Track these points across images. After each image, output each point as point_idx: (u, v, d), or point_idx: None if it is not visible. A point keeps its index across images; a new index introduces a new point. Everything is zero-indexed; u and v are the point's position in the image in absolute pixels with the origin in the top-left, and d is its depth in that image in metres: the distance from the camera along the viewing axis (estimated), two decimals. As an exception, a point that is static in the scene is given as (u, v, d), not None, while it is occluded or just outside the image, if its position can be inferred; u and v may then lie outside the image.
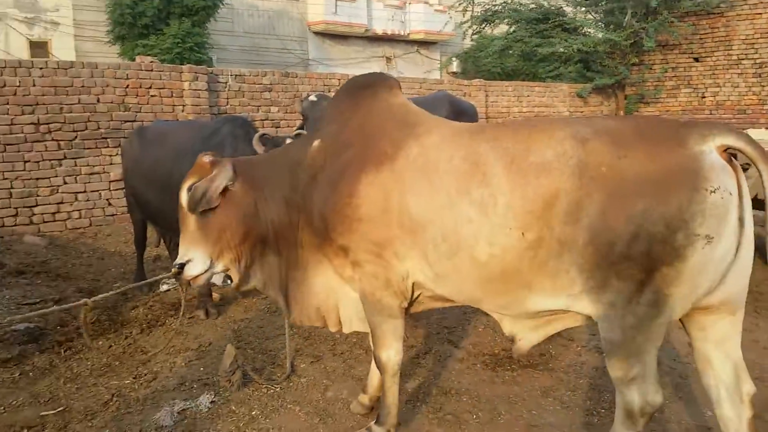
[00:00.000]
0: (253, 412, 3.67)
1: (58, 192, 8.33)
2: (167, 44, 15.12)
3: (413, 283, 2.97)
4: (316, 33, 23.27)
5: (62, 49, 18.25)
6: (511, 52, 17.36)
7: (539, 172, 2.51)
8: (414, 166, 2.82)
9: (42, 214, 8.28)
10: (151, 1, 15.19)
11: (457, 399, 3.83)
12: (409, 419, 3.60)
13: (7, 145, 7.94)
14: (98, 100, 8.63)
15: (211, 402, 3.80)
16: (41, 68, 8.23)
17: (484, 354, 4.47)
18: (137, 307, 5.48)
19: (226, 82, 9.74)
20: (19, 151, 8.03)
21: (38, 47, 18.23)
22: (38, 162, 8.18)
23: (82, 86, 8.50)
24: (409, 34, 24.90)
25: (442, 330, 4.91)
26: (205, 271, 3.18)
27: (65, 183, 8.37)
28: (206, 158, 3.26)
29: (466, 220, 2.64)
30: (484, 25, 18.49)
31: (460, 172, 2.69)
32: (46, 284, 6.13)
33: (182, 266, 3.16)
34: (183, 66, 9.49)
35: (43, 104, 8.20)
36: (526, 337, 2.97)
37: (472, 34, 19.15)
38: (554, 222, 2.47)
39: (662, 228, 2.31)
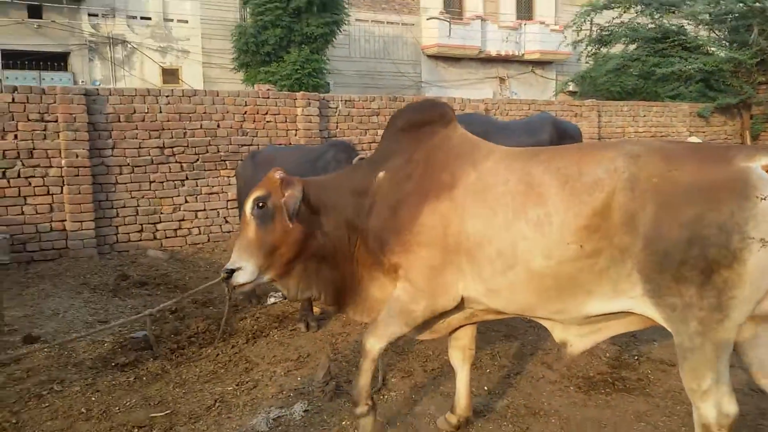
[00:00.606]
0: (343, 422, 3.79)
1: (180, 210, 8.91)
2: (287, 71, 15.82)
3: (463, 298, 3.15)
4: (430, 56, 23.61)
5: (191, 76, 19.45)
6: (629, 71, 16.91)
7: (593, 188, 2.69)
8: (472, 191, 3.02)
9: (165, 230, 8.88)
10: (273, 30, 15.96)
11: (546, 420, 3.82)
12: (495, 438, 3.63)
13: (135, 166, 8.60)
14: (218, 126, 9.18)
15: (305, 411, 3.96)
16: (167, 96, 8.87)
17: (578, 377, 4.41)
18: (245, 318, 5.77)
19: (336, 108, 10.09)
20: (145, 172, 8.67)
21: (169, 74, 19.54)
22: (162, 182, 8.79)
23: (204, 112, 9.07)
24: (523, 54, 24.80)
25: (536, 351, 4.88)
26: (252, 281, 3.32)
27: (186, 202, 8.96)
28: (277, 174, 3.39)
29: (521, 238, 2.82)
30: (599, 46, 18.11)
31: (515, 193, 2.89)
32: (165, 295, 6.58)
33: (231, 272, 3.28)
34: (297, 93, 9.92)
35: (168, 129, 8.82)
36: (577, 343, 3.12)
37: (587, 55, 18.80)
38: (612, 232, 2.64)
39: (716, 231, 2.44)
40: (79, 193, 8.13)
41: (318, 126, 9.83)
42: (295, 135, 9.76)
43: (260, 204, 3.31)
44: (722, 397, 2.58)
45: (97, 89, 8.54)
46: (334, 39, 17.52)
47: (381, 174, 3.37)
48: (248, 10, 17.37)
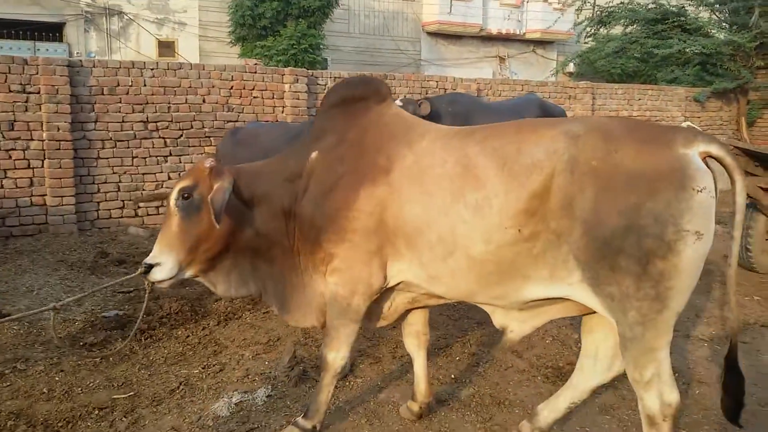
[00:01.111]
0: (305, 409, 3.76)
1: (162, 186, 8.73)
2: (283, 45, 15.62)
3: (402, 283, 3.12)
4: (430, 33, 23.33)
5: (187, 49, 19.24)
6: (629, 53, 16.70)
7: (531, 170, 2.62)
8: (409, 174, 2.94)
9: (146, 207, 8.76)
10: (270, 3, 15.73)
11: (509, 410, 3.79)
12: (456, 427, 3.59)
13: (118, 141, 8.47)
14: (204, 101, 9.03)
15: (267, 396, 3.93)
16: (152, 69, 8.72)
17: (547, 367, 4.38)
18: (219, 300, 5.72)
19: (325, 85, 9.95)
20: (128, 147, 8.54)
21: (165, 47, 19.33)
22: (145, 158, 8.66)
23: (190, 87, 8.92)
24: (524, 33, 24.49)
25: (508, 339, 4.84)
26: (171, 278, 3.12)
27: (169, 178, 8.79)
28: (207, 163, 3.20)
29: (461, 222, 2.76)
30: (599, 26, 17.88)
31: (453, 175, 2.82)
32: (142, 274, 6.51)
33: (150, 267, 3.09)
34: (284, 69, 9.77)
35: (153, 103, 8.67)
36: (517, 328, 3.09)
37: (587, 35, 18.58)
38: (550, 216, 2.59)
39: (652, 222, 2.42)
40: (60, 168, 8.01)
41: (306, 103, 9.70)
42: (282, 112, 9.63)
43: (185, 195, 3.11)
44: (664, 387, 2.59)
45: (81, 60, 8.39)
46: (331, 13, 17.25)
47: (314, 155, 3.22)
48: (246, -19, 17.14)
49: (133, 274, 3.41)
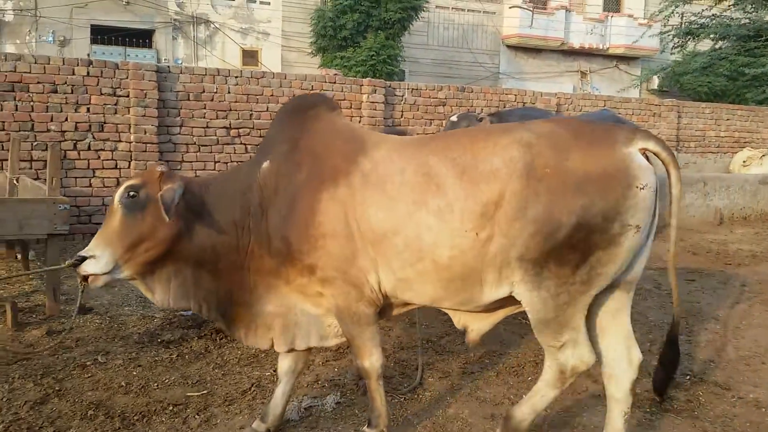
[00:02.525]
0: (373, 419, 3.75)
1: (242, 191, 8.95)
2: (362, 56, 15.81)
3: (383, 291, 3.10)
4: (509, 46, 23.18)
5: (270, 58, 19.70)
6: (718, 70, 16.13)
7: (490, 178, 2.75)
8: (368, 181, 2.96)
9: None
10: (351, 15, 15.95)
11: (580, 435, 3.68)
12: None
13: (202, 145, 8.76)
14: (284, 108, 9.20)
15: (337, 403, 3.92)
16: (236, 77, 8.98)
17: (623, 392, 4.22)
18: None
19: (402, 96, 9.99)
20: (211, 152, 8.82)
21: (249, 56, 19.84)
22: (227, 163, 8.90)
23: (272, 95, 9.14)
24: (608, 48, 24.03)
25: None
26: (105, 273, 2.96)
27: (249, 183, 9.00)
28: (158, 168, 3.10)
29: (426, 228, 2.83)
30: (687, 38, 17.31)
31: (414, 184, 2.88)
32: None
33: (83, 260, 2.95)
34: (363, 80, 9.88)
35: (236, 110, 8.94)
36: (476, 327, 3.22)
37: (673, 47, 18.01)
38: (503, 219, 2.73)
39: (601, 220, 2.64)
40: (146, 169, 8.25)
41: (383, 113, 9.77)
42: (360, 122, 9.72)
43: (132, 193, 2.98)
44: (583, 349, 2.87)
45: (169, 66, 8.71)
46: (411, 25, 17.37)
47: (265, 164, 3.14)
48: (329, -7, 17.44)
49: (63, 265, 3.18)
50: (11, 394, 3.85)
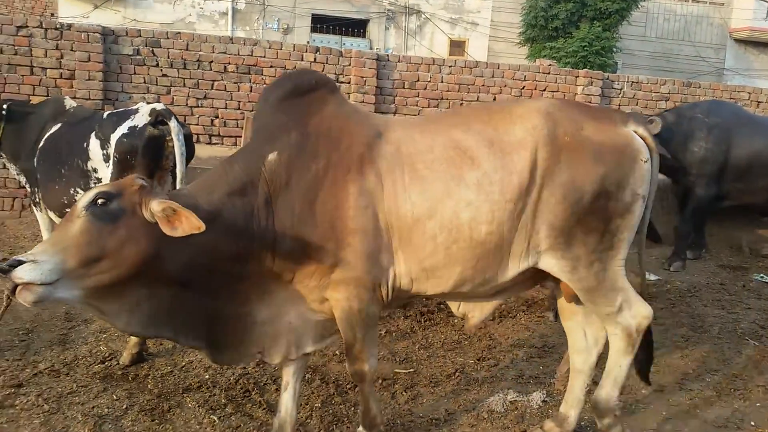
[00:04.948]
0: (581, 423, 3.66)
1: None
2: (573, 47, 15.35)
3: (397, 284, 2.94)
4: (738, 40, 21.30)
5: (476, 49, 19.72)
6: None
7: (518, 147, 2.82)
8: (395, 164, 2.82)
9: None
10: (565, 5, 15.52)
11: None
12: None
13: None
14: (495, 99, 9.18)
15: (543, 401, 3.89)
16: (450, 66, 9.08)
17: None
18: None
19: (620, 89, 9.55)
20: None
21: (456, 46, 19.99)
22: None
23: (483, 85, 9.14)
24: None
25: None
26: (44, 284, 2.27)
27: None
28: (137, 179, 2.65)
29: (465, 204, 2.79)
30: None
31: (447, 159, 2.82)
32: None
33: (18, 264, 2.27)
34: (579, 71, 9.56)
35: (447, 99, 9.05)
36: (476, 314, 3.27)
37: None
38: (533, 187, 2.81)
39: (615, 188, 2.86)
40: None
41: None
42: (574, 115, 9.44)
43: (102, 200, 2.48)
44: (635, 304, 3.04)
45: (387, 55, 9.01)
46: (629, 16, 16.54)
47: (271, 157, 2.77)
48: (542, -18, 17.07)
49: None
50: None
